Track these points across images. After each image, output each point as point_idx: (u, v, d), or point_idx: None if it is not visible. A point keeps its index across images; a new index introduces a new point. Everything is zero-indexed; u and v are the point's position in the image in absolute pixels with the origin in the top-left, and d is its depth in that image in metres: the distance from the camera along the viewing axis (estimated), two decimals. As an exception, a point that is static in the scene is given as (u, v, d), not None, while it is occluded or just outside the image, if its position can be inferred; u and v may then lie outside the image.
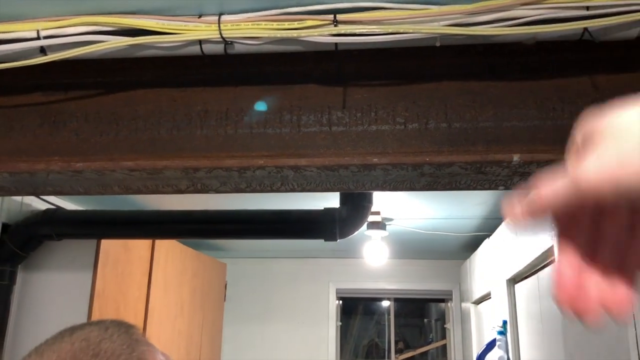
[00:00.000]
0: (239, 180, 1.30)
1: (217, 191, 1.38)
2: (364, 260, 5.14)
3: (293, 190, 1.37)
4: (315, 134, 1.24)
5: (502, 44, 1.15)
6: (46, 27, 1.12)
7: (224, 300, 5.07)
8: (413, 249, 4.53)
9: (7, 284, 2.47)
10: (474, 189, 1.33)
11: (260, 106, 1.26)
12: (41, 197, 2.62)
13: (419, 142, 1.22)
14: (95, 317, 2.52)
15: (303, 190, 1.37)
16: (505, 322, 2.81)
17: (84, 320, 2.50)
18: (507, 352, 2.75)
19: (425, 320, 5.84)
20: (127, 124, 1.30)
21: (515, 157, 1.15)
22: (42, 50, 1.13)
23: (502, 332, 2.80)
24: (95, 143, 1.28)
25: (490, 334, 3.10)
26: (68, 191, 1.40)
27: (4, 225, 2.46)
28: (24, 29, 1.12)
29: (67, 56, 1.12)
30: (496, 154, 1.16)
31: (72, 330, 0.68)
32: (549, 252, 1.97)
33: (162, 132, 1.27)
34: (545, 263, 2.16)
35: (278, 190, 1.37)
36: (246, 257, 5.27)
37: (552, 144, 1.16)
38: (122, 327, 0.70)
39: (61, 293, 2.55)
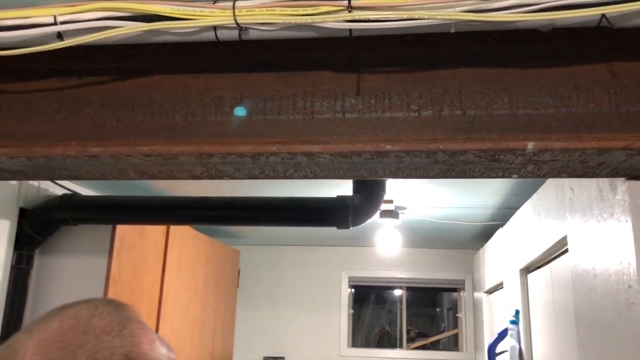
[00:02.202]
0: (252, 166, 1.30)
1: (231, 177, 1.39)
2: (376, 248, 5.15)
3: (306, 177, 1.38)
4: (329, 121, 1.24)
5: (518, 30, 1.14)
6: (63, 12, 1.13)
7: (237, 286, 5.11)
8: (426, 237, 4.53)
9: (24, 268, 2.51)
10: (488, 176, 1.33)
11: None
12: (58, 182, 2.66)
13: (432, 129, 1.21)
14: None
15: (316, 177, 1.38)
16: (517, 312, 2.80)
17: (99, 304, 2.54)
18: (519, 341, 2.75)
19: (438, 309, 5.84)
20: (142, 109, 1.31)
21: (530, 145, 1.15)
22: (59, 36, 1.14)
23: (515, 322, 2.80)
24: (111, 128, 1.29)
25: (502, 324, 3.10)
26: (84, 176, 1.41)
27: (22, 210, 2.50)
28: (42, 15, 1.13)
29: (83, 41, 1.13)
30: (510, 142, 1.16)
31: (62, 309, 0.67)
32: (562, 242, 1.96)
33: (177, 118, 1.28)
34: (559, 253, 2.15)
35: (291, 177, 1.38)
36: (259, 244, 5.30)
37: (567, 132, 1.16)
38: (113, 305, 0.69)
39: (77, 277, 2.58)
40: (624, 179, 1.32)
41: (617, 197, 1.37)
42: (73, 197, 2.58)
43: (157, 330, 3.01)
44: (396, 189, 2.94)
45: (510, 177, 1.31)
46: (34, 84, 1.34)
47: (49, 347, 0.61)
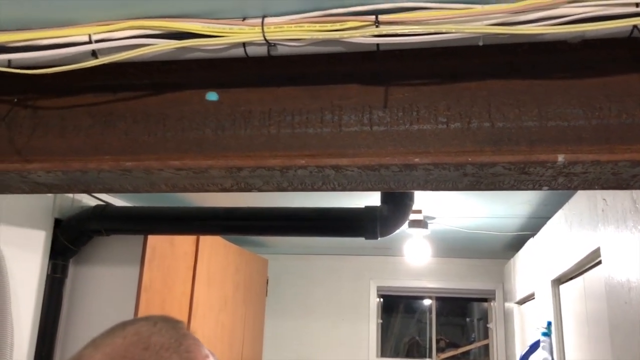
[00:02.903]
0: (281, 179, 1.32)
1: (260, 190, 1.41)
2: (405, 258, 5.12)
3: (334, 189, 1.38)
4: (357, 134, 1.25)
5: (547, 42, 1.13)
6: (97, 31, 1.17)
7: (266, 295, 5.14)
8: (455, 247, 4.49)
9: (59, 277, 2.57)
10: (517, 189, 1.32)
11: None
12: (91, 194, 2.72)
13: (461, 141, 1.21)
14: (143, 310, 2.60)
15: (344, 189, 1.38)
16: (549, 323, 2.75)
17: (132, 312, 2.58)
18: (551, 353, 2.70)
19: (468, 319, 5.77)
20: (173, 124, 1.33)
21: (560, 158, 1.13)
22: (94, 54, 1.18)
23: (547, 334, 2.75)
24: (144, 143, 1.32)
25: (534, 335, 3.05)
26: (118, 189, 1.45)
27: (57, 221, 2.56)
28: (77, 34, 1.17)
29: (117, 59, 1.17)
30: (540, 155, 1.15)
31: (124, 325, 0.71)
32: (595, 254, 1.92)
33: (207, 132, 1.30)
34: (592, 265, 2.11)
35: (319, 189, 1.39)
36: (287, 253, 5.32)
37: (598, 144, 1.14)
38: (170, 323, 0.73)
39: (110, 286, 2.64)
40: (658, 190, 1.30)
41: (652, 209, 1.34)
42: (106, 208, 2.64)
43: (187, 339, 3.05)
44: (425, 199, 2.93)
45: (540, 189, 1.30)
46: (70, 99, 1.38)
47: None
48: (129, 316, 2.58)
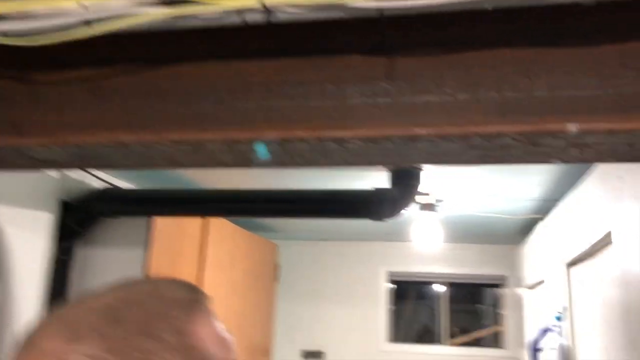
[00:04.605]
0: (281, 153, 1.28)
1: (260, 165, 1.37)
2: (416, 243, 5.08)
3: (337, 164, 1.34)
4: (359, 106, 1.21)
5: (559, 5, 1.08)
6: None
7: (277, 281, 5.12)
8: (466, 232, 4.43)
9: (66, 259, 2.57)
10: (527, 162, 1.26)
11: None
12: (98, 175, 2.70)
13: (468, 112, 1.16)
14: (149, 292, 2.58)
15: (347, 164, 1.34)
16: (565, 308, 2.70)
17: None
18: (565, 338, 2.65)
19: (480, 305, 5.72)
20: (171, 97, 1.30)
21: (572, 127, 1.08)
22: (87, 23, 1.14)
23: (559, 318, 2.70)
24: (141, 117, 1.29)
25: (546, 320, 3.00)
26: (116, 164, 1.42)
27: (63, 203, 2.55)
28: (68, 2, 1.13)
29: (110, 28, 1.13)
30: (550, 124, 1.09)
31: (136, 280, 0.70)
32: (608, 236, 1.87)
33: (206, 105, 1.26)
34: (605, 246, 2.05)
35: (321, 165, 1.34)
36: (299, 239, 5.30)
37: (613, 113, 1.08)
38: (186, 284, 0.70)
39: (116, 268, 2.62)
40: (675, 163, 1.24)
41: (669, 184, 1.28)
42: (112, 190, 2.62)
43: (195, 322, 3.04)
44: (434, 183, 2.88)
45: (550, 162, 1.25)
46: (65, 73, 1.35)
47: None
48: (136, 298, 2.58)
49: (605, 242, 2.01)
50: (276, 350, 5.10)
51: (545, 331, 2.95)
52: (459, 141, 1.16)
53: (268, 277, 4.64)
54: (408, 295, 5.68)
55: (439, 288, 5.41)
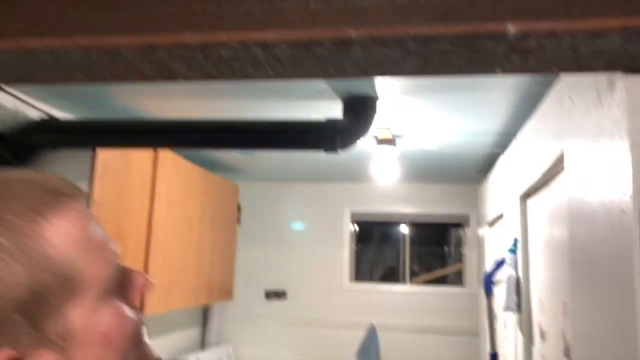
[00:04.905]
0: (205, 62, 1.17)
1: (185, 78, 1.26)
2: (379, 184, 5.06)
3: (268, 76, 1.24)
4: (288, 9, 1.10)
5: None
6: None
7: (239, 222, 5.07)
8: (428, 170, 4.41)
9: (4, 194, 2.44)
10: (469, 72, 1.19)
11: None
12: (37, 107, 2.55)
13: (405, 15, 1.07)
14: (95, 228, 2.49)
15: (279, 76, 1.24)
16: (516, 240, 2.70)
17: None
18: (516, 270, 2.66)
19: (445, 247, 5.78)
20: (85, 2, 1.17)
21: (511, 28, 1.00)
22: None
23: (513, 251, 2.70)
24: (49, 21, 1.16)
25: (501, 254, 3.01)
26: (27, 78, 1.30)
27: (-1, 135, 2.40)
28: None
29: None
30: (489, 25, 1.01)
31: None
32: (559, 160, 1.82)
33: (120, 8, 1.14)
34: (558, 174, 2.02)
35: (251, 77, 1.25)
36: (261, 180, 5.23)
37: (554, 14, 1.01)
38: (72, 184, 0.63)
39: (59, 204, 2.51)
40: (622, 73, 1.18)
41: (615, 98, 1.22)
42: (51, 121, 2.48)
43: (146, 258, 2.97)
44: (392, 117, 2.80)
45: (494, 72, 1.17)
46: (-36, -27, 1.21)
47: None
48: (80, 234, 2.48)
49: (558, 169, 1.98)
50: (240, 291, 5.11)
51: (499, 264, 2.97)
52: (394, 46, 1.07)
53: (229, 218, 4.57)
54: (372, 236, 5.70)
55: (403, 229, 5.43)
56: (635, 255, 1.19)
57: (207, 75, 1.24)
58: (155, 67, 1.20)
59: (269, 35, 1.06)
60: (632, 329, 1.19)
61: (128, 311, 0.61)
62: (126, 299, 0.62)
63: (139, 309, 0.64)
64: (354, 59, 1.14)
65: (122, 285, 0.63)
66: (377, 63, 1.15)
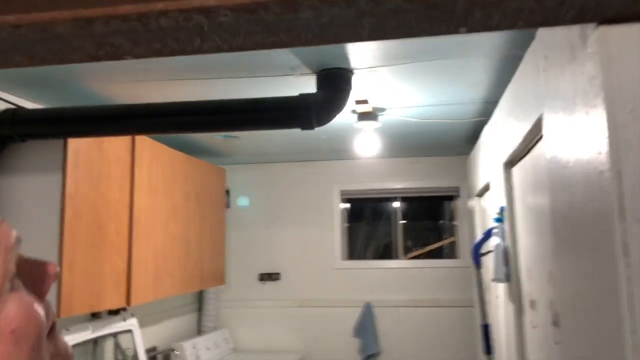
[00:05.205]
0: (147, 36, 1.10)
1: (132, 55, 1.19)
2: (368, 160, 4.99)
3: (219, 48, 1.17)
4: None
5: None
6: None
7: (228, 206, 5.01)
8: (416, 143, 4.34)
9: (-26, 190, 2.37)
10: (431, 33, 1.11)
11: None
12: (1, 97, 2.47)
13: (356, -26, 0.99)
14: (70, 218, 2.42)
15: (231, 48, 1.17)
16: (502, 209, 2.64)
17: (57, 222, 2.39)
18: (503, 239, 2.61)
19: (438, 221, 5.73)
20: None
21: (468, -22, 0.93)
22: None
23: (500, 219, 2.65)
24: (-22, 0, 1.08)
25: (489, 224, 2.96)
26: (-37, 63, 1.22)
27: (-36, 129, 2.32)
28: None
29: None
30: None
31: None
32: (538, 124, 1.76)
33: (53, -18, 1.06)
34: (538, 139, 1.95)
35: (202, 50, 1.17)
36: (247, 162, 5.16)
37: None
38: None
39: (32, 196, 2.44)
40: (594, 25, 1.10)
41: (588, 50, 1.15)
42: (17, 111, 2.39)
43: (130, 247, 2.90)
44: (371, 90, 2.72)
45: (457, 31, 1.10)
46: None
47: None
48: (54, 227, 2.41)
49: (538, 134, 1.91)
50: (233, 275, 5.07)
51: (487, 234, 2.92)
52: (345, 6, 1.00)
53: (216, 203, 4.51)
54: (364, 214, 5.64)
55: (396, 205, 5.38)
56: (614, 217, 1.13)
57: (154, 51, 1.16)
58: (97, 43, 1.12)
59: (209, 1, 0.98)
60: (614, 295, 1.13)
61: (35, 304, 0.55)
62: (34, 291, 0.57)
63: (47, 300, 0.58)
64: (305, 23, 1.07)
65: (28, 277, 0.57)
66: (330, 25, 1.07)
